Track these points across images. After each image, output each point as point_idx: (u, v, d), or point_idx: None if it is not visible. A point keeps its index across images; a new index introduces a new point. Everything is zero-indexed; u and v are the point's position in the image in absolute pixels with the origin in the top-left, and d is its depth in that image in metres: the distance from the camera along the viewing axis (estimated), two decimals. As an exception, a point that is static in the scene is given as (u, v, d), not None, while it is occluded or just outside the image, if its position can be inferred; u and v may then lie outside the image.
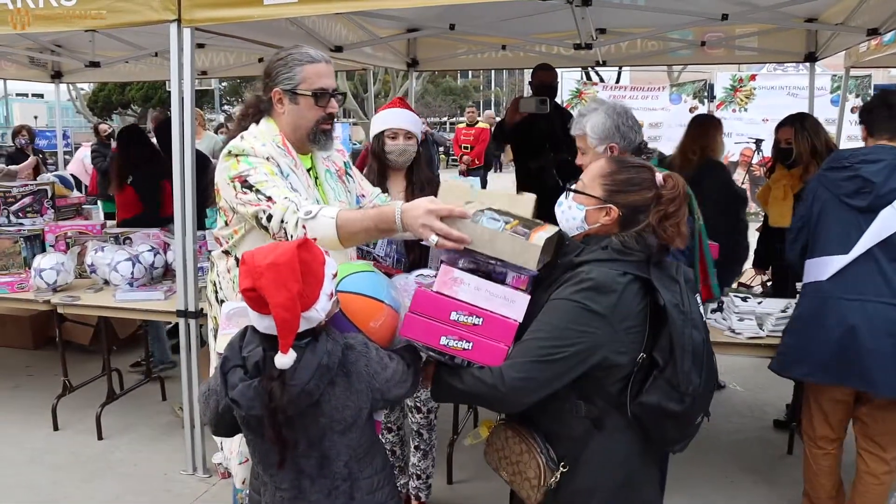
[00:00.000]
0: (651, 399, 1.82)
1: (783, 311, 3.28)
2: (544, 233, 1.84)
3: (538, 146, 5.33)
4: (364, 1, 3.62)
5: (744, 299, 3.45)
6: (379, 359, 1.84)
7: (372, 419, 1.89)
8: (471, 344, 1.83)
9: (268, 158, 2.29)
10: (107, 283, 4.25)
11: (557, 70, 5.55)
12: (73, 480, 3.84)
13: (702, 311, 1.95)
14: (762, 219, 4.65)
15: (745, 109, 11.69)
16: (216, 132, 9.56)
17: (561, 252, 1.94)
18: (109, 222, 5.61)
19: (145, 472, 3.92)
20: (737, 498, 3.66)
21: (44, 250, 4.53)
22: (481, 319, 1.82)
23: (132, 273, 4.12)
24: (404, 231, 1.97)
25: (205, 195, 4.03)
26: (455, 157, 14.43)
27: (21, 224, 4.72)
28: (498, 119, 12.79)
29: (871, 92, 11.21)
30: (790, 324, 3.08)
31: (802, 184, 3.99)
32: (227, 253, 2.49)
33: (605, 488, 1.90)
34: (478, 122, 13.08)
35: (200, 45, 6.02)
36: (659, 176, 1.93)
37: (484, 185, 12.49)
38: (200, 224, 3.88)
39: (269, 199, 2.18)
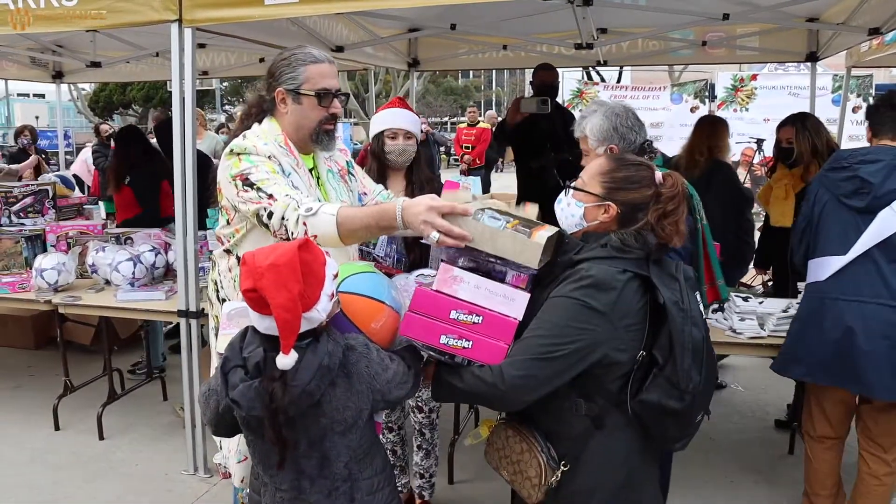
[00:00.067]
0: (651, 397, 1.82)
1: (784, 311, 3.28)
2: (545, 231, 1.84)
3: (539, 146, 5.33)
4: (365, 1, 3.62)
5: (745, 299, 3.44)
6: (380, 360, 1.84)
7: (372, 420, 1.89)
8: (471, 342, 1.83)
9: (269, 157, 2.29)
10: (108, 283, 4.26)
11: (558, 70, 5.55)
12: (74, 480, 3.84)
13: (702, 309, 1.95)
14: (763, 218, 4.65)
15: (747, 109, 11.67)
16: (217, 132, 9.57)
17: (560, 250, 1.94)
18: (111, 222, 5.60)
19: (146, 473, 3.92)
20: (738, 498, 3.66)
21: (45, 250, 4.53)
22: (481, 318, 1.82)
23: (133, 273, 4.12)
24: (405, 228, 1.97)
25: (206, 195, 4.05)
26: (456, 157, 14.43)
27: (22, 224, 4.72)
28: (500, 119, 12.83)
29: (873, 92, 11.20)
30: (791, 324, 3.08)
31: (804, 183, 4.00)
32: (228, 252, 2.49)
33: (606, 487, 1.90)
34: (479, 122, 13.10)
35: (201, 45, 6.03)
36: (658, 174, 1.93)
37: (488, 185, 12.52)
38: (201, 224, 3.88)
39: (271, 196, 2.18)
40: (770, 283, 4.77)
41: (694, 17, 4.91)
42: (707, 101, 12.08)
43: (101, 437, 4.30)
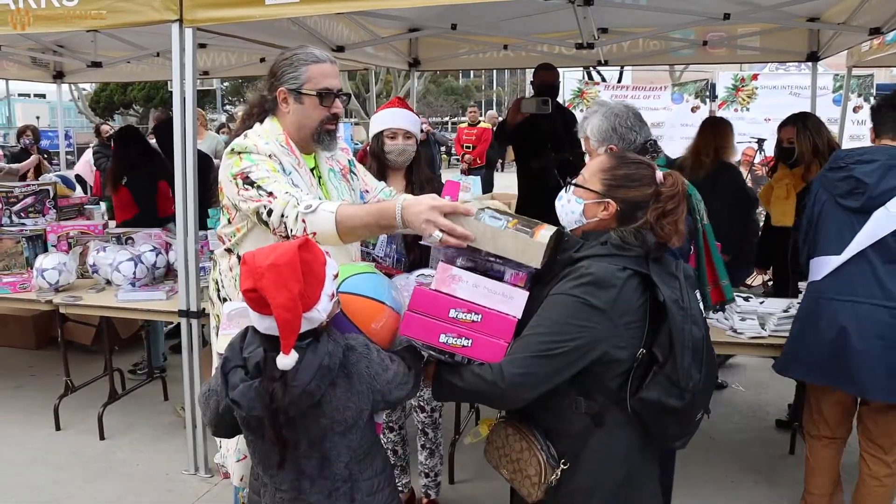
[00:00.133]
0: (651, 395, 1.82)
1: (785, 311, 3.28)
2: (547, 231, 1.85)
3: (540, 146, 5.33)
4: (366, 1, 3.62)
5: (746, 299, 3.44)
6: (380, 360, 1.84)
7: (373, 420, 1.89)
8: (470, 341, 1.83)
9: (270, 156, 2.29)
10: (109, 283, 4.26)
11: (559, 70, 5.55)
12: (74, 480, 3.84)
13: (701, 307, 1.95)
14: (763, 218, 4.65)
15: (747, 109, 11.65)
16: (217, 132, 9.58)
17: (560, 248, 1.94)
18: (112, 222, 5.61)
19: (147, 472, 3.92)
20: (738, 498, 3.66)
21: (46, 250, 4.53)
22: (480, 316, 1.83)
23: (134, 273, 4.12)
24: (405, 227, 1.97)
25: (207, 195, 4.05)
26: (457, 157, 14.45)
27: (23, 224, 4.72)
28: (501, 119, 12.83)
29: (874, 91, 11.18)
30: (792, 324, 3.08)
31: (805, 183, 4.00)
32: (229, 251, 2.49)
33: (606, 485, 1.90)
34: (480, 121, 13.11)
35: (202, 45, 6.02)
36: (659, 173, 1.93)
37: (490, 185, 12.53)
38: (202, 224, 3.88)
39: (271, 194, 2.18)
40: (770, 283, 4.77)
41: (695, 17, 4.91)
42: (708, 100, 12.06)
43: (102, 437, 4.30)
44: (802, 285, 3.13)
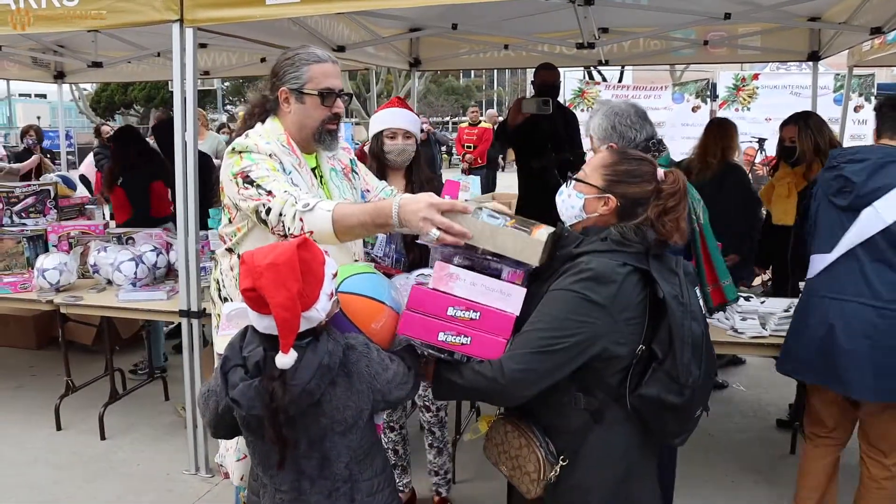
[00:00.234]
0: (650, 391, 1.82)
1: (786, 311, 3.28)
2: (545, 230, 1.85)
3: (541, 146, 5.33)
4: (366, 1, 3.62)
5: (747, 299, 3.44)
6: (380, 360, 1.84)
7: (373, 421, 1.89)
8: (469, 339, 1.83)
9: (270, 155, 2.30)
10: (109, 283, 4.26)
11: (560, 69, 5.55)
12: (75, 480, 3.85)
13: (701, 304, 1.95)
14: (764, 217, 4.66)
15: (748, 109, 11.66)
16: (218, 132, 9.59)
17: (560, 244, 1.94)
18: (112, 223, 5.61)
19: (148, 472, 3.92)
20: (738, 498, 3.66)
21: (46, 250, 4.53)
22: (478, 314, 1.83)
23: (135, 273, 4.12)
24: (401, 226, 1.97)
25: (208, 195, 4.05)
26: (458, 157, 14.47)
27: (24, 224, 4.72)
28: (501, 118, 12.84)
29: (875, 91, 11.18)
30: (791, 322, 3.08)
31: (806, 182, 4.01)
32: (230, 251, 2.49)
33: (605, 481, 1.90)
34: (481, 121, 13.12)
35: (203, 45, 6.02)
36: (660, 171, 1.94)
37: (493, 184, 12.55)
38: (203, 224, 3.88)
39: (269, 193, 2.19)
40: (769, 283, 4.78)
41: (695, 17, 4.90)
42: (709, 100, 12.08)
43: (103, 437, 4.30)
44: (803, 284, 3.13)
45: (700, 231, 2.80)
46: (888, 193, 2.64)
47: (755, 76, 11.97)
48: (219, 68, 7.31)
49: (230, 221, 2.46)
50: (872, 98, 10.95)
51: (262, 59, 6.73)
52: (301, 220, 2.10)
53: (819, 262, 2.86)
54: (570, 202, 1.98)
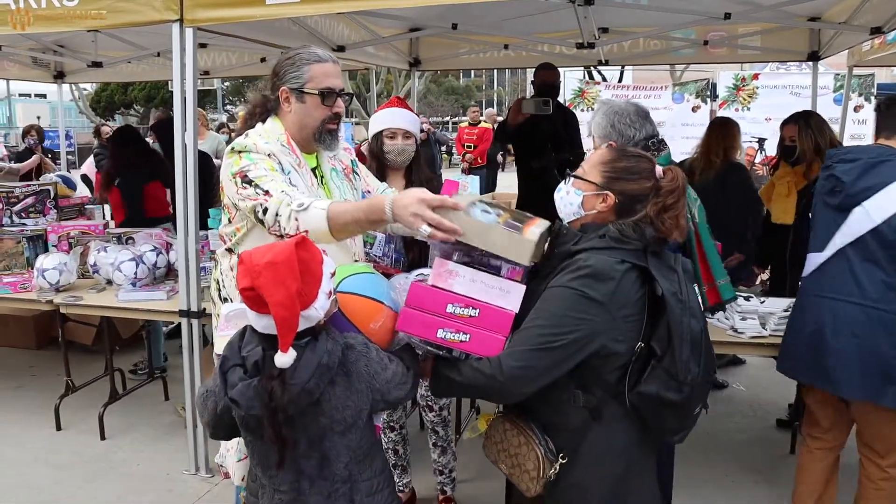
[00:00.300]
0: (649, 388, 1.82)
1: (785, 311, 3.28)
2: (537, 227, 1.84)
3: (540, 146, 5.34)
4: (366, 1, 3.62)
5: (746, 298, 3.44)
6: (379, 359, 1.84)
7: (372, 421, 1.89)
8: (468, 336, 1.83)
9: (269, 155, 2.30)
10: (109, 283, 4.26)
11: (560, 69, 5.56)
12: (75, 480, 3.85)
13: (700, 301, 1.95)
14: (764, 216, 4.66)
15: (748, 108, 11.66)
16: (217, 131, 9.60)
17: (558, 241, 1.94)
18: (112, 222, 5.61)
19: (148, 472, 3.92)
20: (738, 498, 3.66)
21: (46, 250, 4.53)
22: (477, 311, 1.83)
23: (136, 273, 4.12)
24: (395, 222, 1.96)
25: (209, 195, 4.05)
26: (458, 156, 14.47)
27: (24, 224, 4.72)
28: (500, 118, 12.84)
29: (875, 91, 11.17)
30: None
31: (806, 181, 4.01)
32: (230, 251, 2.50)
33: (604, 479, 1.90)
34: (481, 121, 13.13)
35: (203, 45, 6.02)
36: (658, 168, 1.94)
37: (493, 184, 12.55)
38: (203, 224, 3.88)
39: (267, 192, 2.19)
40: (767, 282, 4.78)
41: (695, 17, 4.90)
42: (709, 100, 12.08)
43: (103, 437, 4.30)
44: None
45: (695, 230, 2.80)
46: (878, 193, 2.64)
47: (755, 76, 11.97)
48: (219, 68, 7.31)
49: (230, 221, 2.46)
50: (872, 98, 10.95)
51: (262, 59, 6.73)
52: (296, 219, 2.10)
53: (812, 261, 2.87)
54: (569, 199, 1.98)
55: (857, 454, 3.00)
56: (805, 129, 4.01)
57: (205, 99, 26.27)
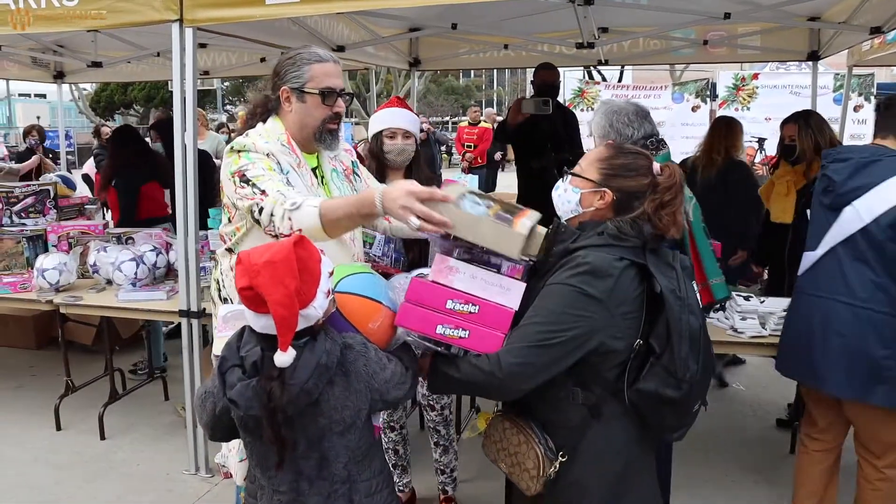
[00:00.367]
0: (648, 386, 1.82)
1: (785, 311, 3.27)
2: (527, 219, 1.84)
3: (540, 146, 5.34)
4: (366, 0, 3.62)
5: (746, 298, 3.44)
6: (378, 359, 1.83)
7: (370, 421, 1.89)
8: (467, 332, 1.83)
9: (268, 154, 2.30)
10: (109, 283, 4.26)
11: (560, 69, 5.55)
12: (75, 480, 3.85)
13: (698, 298, 1.96)
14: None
15: (748, 108, 11.67)
16: (217, 131, 9.60)
17: (556, 239, 1.94)
18: (112, 222, 5.61)
19: (148, 472, 3.92)
20: (738, 498, 3.66)
21: (46, 250, 4.53)
22: (477, 307, 1.83)
23: (136, 273, 4.12)
24: (385, 215, 1.96)
25: (210, 194, 4.04)
26: (458, 156, 14.47)
27: (24, 224, 4.72)
28: (500, 118, 12.85)
29: (875, 91, 11.17)
30: None
31: (806, 180, 4.02)
32: (230, 251, 2.49)
33: (604, 477, 1.90)
34: (481, 121, 13.13)
35: (202, 45, 6.03)
36: (656, 165, 1.94)
37: (493, 184, 12.56)
38: (203, 224, 3.88)
39: (263, 192, 2.19)
40: (764, 280, 4.79)
41: (695, 17, 4.90)
42: (708, 100, 12.08)
43: (103, 437, 4.30)
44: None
45: (689, 229, 2.81)
46: (867, 193, 2.65)
47: (755, 76, 11.97)
48: (218, 68, 7.31)
49: (230, 221, 2.46)
50: (872, 98, 10.95)
51: (262, 59, 6.73)
52: (290, 218, 2.10)
53: (807, 260, 2.90)
54: (567, 197, 1.98)
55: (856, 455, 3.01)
56: (805, 128, 4.02)
57: (205, 99, 26.25)
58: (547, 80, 5.33)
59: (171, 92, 3.90)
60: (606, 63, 6.64)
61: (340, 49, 5.53)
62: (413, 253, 3.09)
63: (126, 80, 14.97)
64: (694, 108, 11.86)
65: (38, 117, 26.47)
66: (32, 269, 4.26)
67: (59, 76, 7.66)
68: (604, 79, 15.46)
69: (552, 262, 1.89)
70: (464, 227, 1.80)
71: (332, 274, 1.80)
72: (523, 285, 1.84)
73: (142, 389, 4.83)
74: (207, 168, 5.01)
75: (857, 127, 10.15)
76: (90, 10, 3.57)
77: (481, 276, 1.84)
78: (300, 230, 2.06)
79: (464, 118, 16.83)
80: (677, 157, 4.54)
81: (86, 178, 9.46)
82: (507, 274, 1.85)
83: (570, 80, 12.83)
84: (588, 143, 4.32)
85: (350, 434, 1.80)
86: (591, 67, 12.23)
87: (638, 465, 1.95)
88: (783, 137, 4.26)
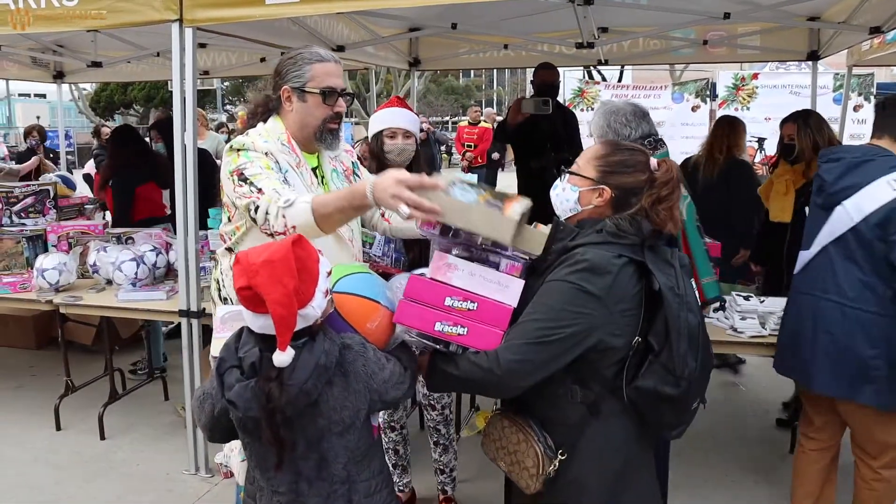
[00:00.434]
0: (647, 383, 1.82)
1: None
2: (518, 205, 1.83)
3: (540, 146, 5.34)
4: (366, 0, 3.62)
5: (746, 298, 3.44)
6: (376, 359, 1.83)
7: (369, 421, 1.89)
8: (466, 329, 1.83)
9: (266, 154, 2.30)
10: (109, 282, 4.26)
11: (559, 69, 5.56)
12: (75, 480, 3.85)
13: (696, 295, 1.96)
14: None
15: (748, 108, 11.67)
16: (217, 131, 9.60)
17: (556, 238, 1.94)
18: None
19: (147, 472, 3.92)
20: (738, 498, 3.66)
21: (46, 250, 4.53)
22: (476, 304, 1.83)
23: (136, 273, 4.12)
24: (377, 205, 1.96)
25: (210, 193, 4.04)
26: (458, 156, 14.48)
27: (23, 224, 4.72)
28: (500, 118, 12.85)
29: (874, 90, 11.18)
30: None
31: (805, 179, 4.02)
32: (230, 250, 2.50)
33: (604, 475, 1.90)
34: (481, 121, 13.14)
35: (202, 45, 6.03)
36: (653, 160, 1.94)
37: (493, 184, 12.55)
38: (203, 224, 3.88)
39: (259, 190, 2.20)
40: (762, 279, 4.79)
41: (695, 17, 4.91)
42: (708, 100, 12.09)
43: (103, 437, 4.30)
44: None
45: (682, 228, 2.82)
46: (857, 192, 2.66)
47: (755, 76, 11.98)
48: (218, 68, 7.31)
49: (229, 220, 2.47)
50: (872, 97, 10.96)
51: (262, 59, 6.74)
52: (283, 216, 2.10)
53: (801, 259, 2.92)
54: (565, 196, 1.98)
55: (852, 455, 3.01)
56: (804, 127, 4.02)
57: (204, 99, 26.23)
58: (547, 80, 5.33)
59: (171, 92, 3.90)
60: (606, 63, 6.64)
61: (340, 49, 5.53)
62: (413, 253, 3.09)
63: (126, 80, 14.99)
64: (694, 108, 11.86)
65: (38, 117, 26.47)
66: (32, 269, 4.26)
67: (58, 76, 7.66)
68: (604, 79, 15.46)
69: (551, 260, 1.89)
70: (454, 213, 1.80)
71: (329, 274, 1.80)
72: (521, 282, 1.84)
73: (142, 389, 4.83)
74: (207, 166, 5.01)
75: (856, 127, 10.16)
76: (90, 10, 3.57)
77: (480, 273, 1.84)
78: (294, 227, 2.06)
79: (464, 118, 16.84)
80: (677, 157, 4.53)
81: (87, 177, 9.47)
82: (505, 271, 1.85)
83: (570, 80, 12.83)
84: (588, 143, 4.32)
85: (349, 434, 1.80)
86: (591, 67, 12.23)
87: (637, 462, 1.95)
88: (782, 137, 4.27)
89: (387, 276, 2.11)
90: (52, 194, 4.93)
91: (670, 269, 1.87)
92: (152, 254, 4.25)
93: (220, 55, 7.07)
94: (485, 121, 13.40)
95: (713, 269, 3.16)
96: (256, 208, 2.18)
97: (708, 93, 12.13)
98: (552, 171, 5.16)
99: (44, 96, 37.82)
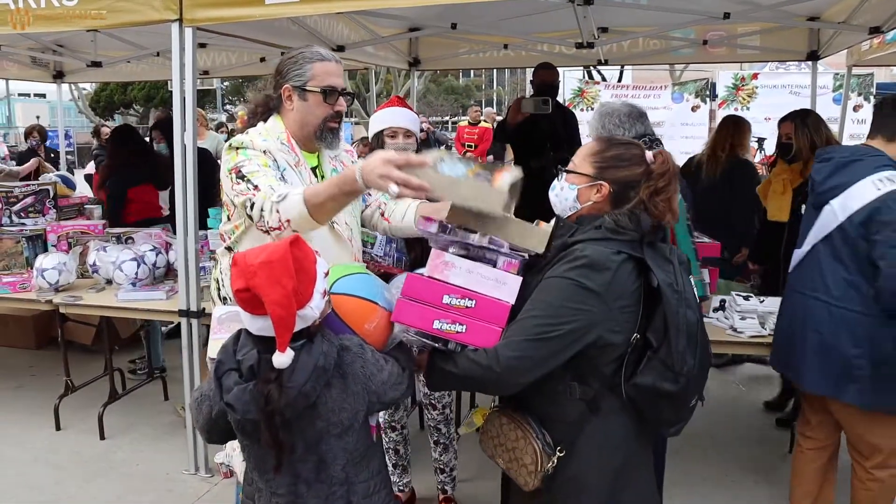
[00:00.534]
0: (646, 380, 1.82)
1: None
2: (508, 175, 1.83)
3: (540, 146, 5.33)
4: (366, 0, 3.62)
5: (746, 298, 3.45)
6: (375, 360, 1.83)
7: (368, 422, 1.89)
8: (464, 327, 1.83)
9: (264, 152, 2.31)
10: (109, 282, 4.26)
11: (559, 69, 5.56)
12: (75, 480, 3.85)
13: (696, 292, 1.96)
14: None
15: (748, 108, 11.66)
16: (216, 131, 9.60)
17: (555, 234, 1.94)
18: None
19: (147, 472, 3.92)
20: (738, 498, 3.66)
21: (46, 250, 4.53)
22: (474, 302, 1.83)
23: (136, 273, 4.12)
24: (367, 188, 1.96)
25: (208, 191, 4.03)
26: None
27: (23, 224, 4.72)
28: (499, 118, 12.85)
29: (874, 90, 11.18)
30: None
31: (802, 179, 4.03)
32: (229, 249, 2.50)
33: (602, 472, 1.90)
34: (481, 121, 13.14)
35: (202, 45, 6.03)
36: (649, 153, 1.94)
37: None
38: (203, 223, 3.88)
39: (256, 187, 2.20)
40: (759, 278, 4.80)
41: (695, 16, 4.91)
42: (708, 100, 12.08)
43: (102, 437, 4.30)
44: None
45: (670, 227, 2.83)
46: (844, 192, 2.68)
47: (754, 76, 11.97)
48: (218, 68, 7.31)
49: (229, 219, 2.47)
50: (871, 97, 10.96)
51: (262, 59, 6.74)
52: (277, 210, 2.11)
53: (794, 257, 2.95)
54: (564, 194, 1.98)
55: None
56: (801, 127, 4.03)
57: (204, 99, 26.21)
58: (546, 80, 5.33)
59: (171, 92, 3.90)
60: (606, 63, 6.64)
61: (340, 49, 5.54)
62: (415, 252, 3.09)
63: (126, 80, 14.98)
64: (694, 108, 11.85)
65: (38, 117, 26.47)
66: (32, 268, 4.26)
67: (58, 76, 7.66)
68: (603, 79, 15.44)
69: (549, 256, 1.89)
70: (443, 189, 1.80)
71: (327, 274, 1.80)
72: (519, 279, 1.84)
73: (141, 389, 4.83)
74: (207, 166, 5.00)
75: (856, 127, 10.15)
76: (90, 10, 3.57)
77: (477, 270, 1.84)
78: (288, 221, 2.07)
79: (464, 118, 16.85)
80: (678, 157, 4.54)
81: (88, 178, 9.45)
82: (502, 268, 1.85)
83: (569, 79, 12.82)
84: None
85: (348, 436, 1.80)
86: (591, 67, 12.22)
87: (636, 459, 1.95)
88: (780, 136, 4.27)
89: (389, 275, 2.10)
90: (51, 194, 4.94)
91: (669, 265, 1.87)
92: (152, 254, 4.25)
93: (219, 55, 7.07)
94: (485, 121, 13.40)
95: (700, 268, 3.19)
96: (252, 205, 2.19)
97: (708, 93, 12.12)
98: (552, 171, 5.13)
99: (44, 96, 37.83)
